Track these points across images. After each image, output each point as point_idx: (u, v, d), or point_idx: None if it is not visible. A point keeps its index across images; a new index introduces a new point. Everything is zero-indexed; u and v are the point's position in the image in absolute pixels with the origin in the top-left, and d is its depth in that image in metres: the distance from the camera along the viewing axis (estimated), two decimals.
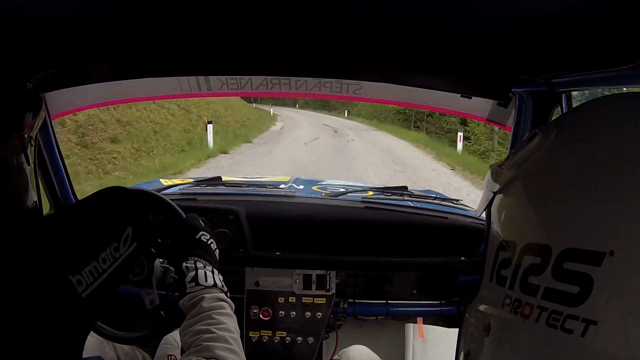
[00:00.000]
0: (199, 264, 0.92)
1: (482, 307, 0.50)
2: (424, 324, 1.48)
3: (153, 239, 1.07)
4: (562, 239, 0.41)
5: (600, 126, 0.45)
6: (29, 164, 0.70)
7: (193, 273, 0.89)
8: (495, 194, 0.52)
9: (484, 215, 0.58)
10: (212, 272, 0.92)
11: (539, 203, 0.47)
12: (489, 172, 0.56)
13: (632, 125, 0.42)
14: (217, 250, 1.02)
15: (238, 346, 0.78)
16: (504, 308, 0.45)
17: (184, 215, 1.08)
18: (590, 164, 0.43)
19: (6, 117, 0.66)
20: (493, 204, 0.52)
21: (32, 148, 0.73)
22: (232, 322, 0.82)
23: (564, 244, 0.41)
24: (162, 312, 1.03)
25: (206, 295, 0.85)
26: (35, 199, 0.73)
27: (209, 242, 1.01)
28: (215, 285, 0.89)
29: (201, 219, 1.36)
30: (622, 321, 0.36)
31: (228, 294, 0.90)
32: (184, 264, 0.92)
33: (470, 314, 0.53)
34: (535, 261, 0.42)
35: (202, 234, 1.01)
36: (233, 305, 0.87)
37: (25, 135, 0.69)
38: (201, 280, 0.88)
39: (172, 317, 1.00)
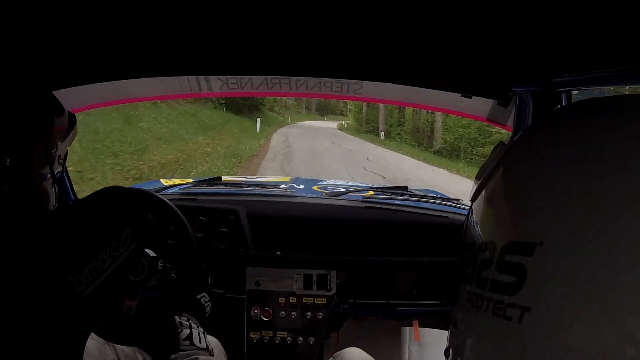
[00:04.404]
0: (193, 324, 0.97)
1: (455, 310, 0.54)
2: (424, 324, 1.48)
3: (153, 239, 1.08)
4: (504, 234, 0.46)
5: (543, 137, 0.50)
6: (54, 180, 0.72)
7: (187, 331, 0.94)
8: (471, 203, 0.57)
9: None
10: (204, 334, 0.97)
11: (492, 206, 0.53)
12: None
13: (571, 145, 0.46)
14: (209, 313, 1.08)
15: None
16: (467, 303, 0.49)
17: (197, 259, 1.09)
18: (529, 166, 0.48)
19: (37, 134, 0.68)
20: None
21: (60, 166, 0.75)
22: None
23: (506, 237, 0.45)
24: (133, 322, 1.04)
25: (200, 357, 0.90)
26: (55, 203, 0.74)
27: (205, 305, 1.07)
28: (207, 348, 0.94)
29: (201, 218, 1.36)
30: (553, 307, 0.39)
31: (213, 354, 0.96)
32: (178, 319, 0.96)
33: (452, 314, 0.57)
34: (485, 256, 0.47)
35: (203, 296, 1.07)
36: None
37: (54, 154, 0.71)
38: (195, 341, 0.93)
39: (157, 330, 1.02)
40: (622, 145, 0.41)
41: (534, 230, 0.42)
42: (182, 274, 1.09)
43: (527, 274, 0.41)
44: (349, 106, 31.75)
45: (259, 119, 16.60)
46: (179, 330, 0.93)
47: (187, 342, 0.92)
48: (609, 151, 0.42)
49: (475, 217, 0.54)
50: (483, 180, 0.54)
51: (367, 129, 23.74)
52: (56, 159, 0.72)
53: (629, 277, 0.36)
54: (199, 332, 0.95)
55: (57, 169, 0.74)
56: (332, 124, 30.57)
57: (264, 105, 23.58)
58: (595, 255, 0.38)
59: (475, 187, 0.56)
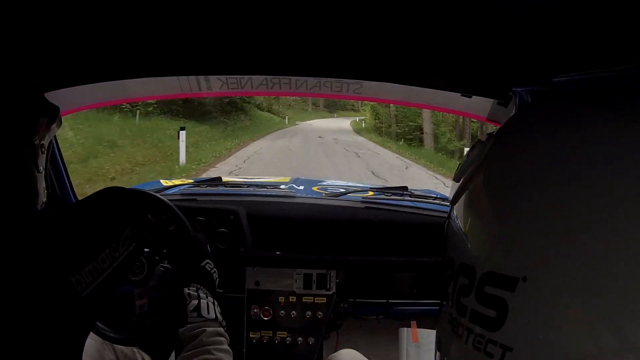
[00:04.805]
0: (201, 294, 0.93)
1: (439, 324, 0.51)
2: (425, 324, 1.48)
3: (153, 239, 1.08)
4: (484, 262, 0.41)
5: (526, 140, 0.44)
6: (39, 172, 0.71)
7: (195, 302, 0.90)
8: (450, 206, 0.52)
9: None
10: (213, 303, 0.93)
11: (470, 221, 0.47)
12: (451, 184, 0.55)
13: (554, 140, 0.41)
14: (218, 279, 1.03)
15: None
16: (448, 325, 0.45)
17: (192, 232, 1.08)
18: (511, 182, 0.42)
19: (17, 124, 0.67)
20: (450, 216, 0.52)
21: (44, 156, 0.74)
22: (228, 358, 0.85)
23: (485, 267, 0.41)
24: (147, 320, 1.03)
25: (208, 328, 0.86)
26: (44, 200, 0.74)
27: (212, 272, 1.02)
28: (216, 318, 0.90)
29: (200, 219, 1.36)
30: (535, 350, 0.36)
31: (225, 327, 0.92)
32: (186, 290, 0.93)
33: (437, 329, 0.54)
34: (464, 282, 0.43)
35: (207, 262, 1.02)
36: (229, 339, 0.89)
37: (36, 142, 0.70)
38: (203, 311, 0.89)
39: (171, 318, 1.01)
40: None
41: (516, 262, 0.38)
42: (179, 248, 1.07)
43: (509, 311, 0.37)
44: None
45: (182, 134, 7.93)
46: (187, 302, 0.91)
47: (195, 314, 0.89)
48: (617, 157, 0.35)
49: (455, 226, 0.49)
50: (462, 184, 0.48)
51: (398, 129, 17.02)
52: (39, 148, 0.71)
53: (622, 321, 0.32)
54: (207, 303, 0.91)
55: (42, 162, 0.73)
56: (344, 123, 24.77)
57: (247, 102, 17.63)
58: (587, 294, 0.34)
59: (455, 189, 0.50)
